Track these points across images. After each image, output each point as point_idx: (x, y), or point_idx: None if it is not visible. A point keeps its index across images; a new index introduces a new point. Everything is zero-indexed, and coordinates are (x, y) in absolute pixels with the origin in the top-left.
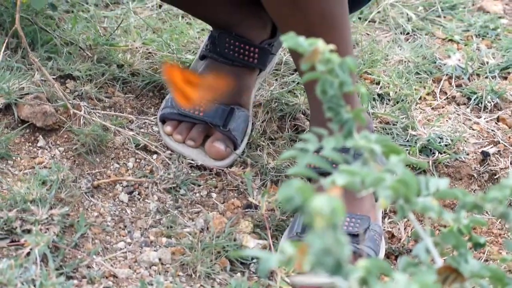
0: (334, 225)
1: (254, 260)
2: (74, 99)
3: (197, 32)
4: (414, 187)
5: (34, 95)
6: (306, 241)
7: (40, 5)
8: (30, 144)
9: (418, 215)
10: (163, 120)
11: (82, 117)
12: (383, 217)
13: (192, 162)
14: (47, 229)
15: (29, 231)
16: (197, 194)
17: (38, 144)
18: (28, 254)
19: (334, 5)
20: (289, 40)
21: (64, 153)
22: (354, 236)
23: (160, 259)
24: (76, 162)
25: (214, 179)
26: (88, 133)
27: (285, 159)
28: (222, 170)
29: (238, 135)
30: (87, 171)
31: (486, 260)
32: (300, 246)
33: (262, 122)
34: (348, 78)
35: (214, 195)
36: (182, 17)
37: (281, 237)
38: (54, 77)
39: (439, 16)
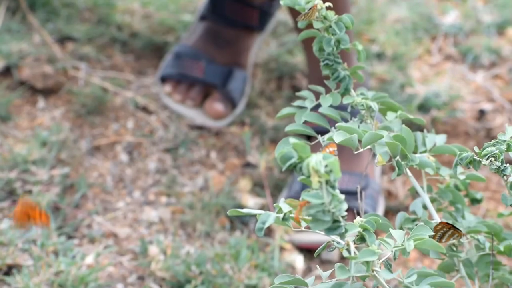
0: (330, 182)
1: (254, 219)
2: (73, 60)
3: None
4: (411, 144)
5: (34, 57)
6: (303, 199)
7: None
8: (30, 105)
9: (416, 172)
10: (163, 80)
11: (81, 79)
12: (381, 175)
13: (191, 122)
14: (48, 189)
15: (30, 192)
16: (196, 154)
17: (38, 106)
18: None
19: None
20: None
21: (64, 114)
22: (352, 193)
23: (160, 218)
24: (76, 123)
25: (213, 138)
26: (88, 95)
27: (283, 117)
28: (221, 130)
29: (236, 95)
30: (87, 132)
31: (484, 217)
32: (297, 204)
33: (260, 82)
34: (345, 35)
35: (213, 154)
36: None
37: (280, 195)
38: (54, 38)
39: None
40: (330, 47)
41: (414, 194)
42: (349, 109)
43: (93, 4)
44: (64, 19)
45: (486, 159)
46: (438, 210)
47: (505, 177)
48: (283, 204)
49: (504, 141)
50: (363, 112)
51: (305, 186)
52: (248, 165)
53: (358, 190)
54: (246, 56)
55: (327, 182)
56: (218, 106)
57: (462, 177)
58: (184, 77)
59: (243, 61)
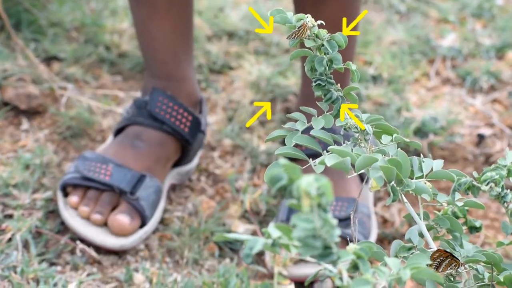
0: (322, 206)
1: (244, 246)
2: (60, 81)
3: None
4: (407, 169)
5: (18, 77)
6: (292, 223)
7: None
8: (13, 127)
9: (412, 199)
10: (65, 190)
11: (67, 100)
12: (376, 201)
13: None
14: (30, 214)
15: (11, 216)
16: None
17: (22, 127)
18: (10, 239)
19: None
20: (276, 15)
21: (48, 136)
22: (341, 220)
23: (146, 245)
24: (61, 145)
25: (203, 163)
26: (74, 116)
27: (273, 139)
28: (211, 155)
29: (147, 207)
30: (72, 154)
31: (482, 245)
32: (287, 229)
33: (251, 103)
34: (338, 54)
35: (203, 179)
36: None
37: (271, 221)
38: (39, 59)
39: None
40: (322, 66)
41: (410, 221)
42: (342, 132)
43: (81, 24)
44: (50, 39)
45: (486, 185)
46: (435, 239)
47: (505, 204)
48: (272, 229)
49: (505, 166)
50: (357, 135)
51: (291, 214)
52: (238, 190)
53: (352, 217)
54: (163, 167)
55: (319, 205)
56: (123, 218)
57: (460, 203)
58: (89, 181)
59: (159, 171)
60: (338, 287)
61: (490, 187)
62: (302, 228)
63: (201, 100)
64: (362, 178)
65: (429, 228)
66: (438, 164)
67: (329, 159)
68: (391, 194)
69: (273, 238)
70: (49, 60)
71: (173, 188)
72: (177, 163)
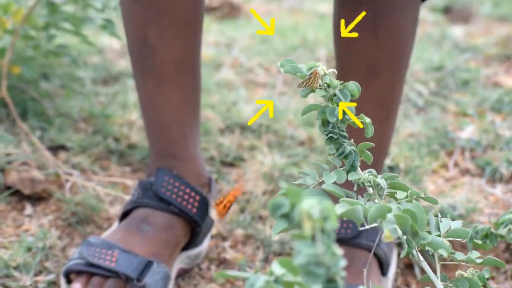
0: (325, 231)
1: None
2: (65, 168)
3: None
4: (422, 220)
5: (22, 161)
6: (294, 249)
7: (31, 74)
8: (16, 212)
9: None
10: (68, 276)
11: (73, 185)
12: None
13: None
14: None
15: None
16: (196, 266)
17: (25, 212)
18: None
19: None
20: (286, 65)
21: (52, 222)
22: None
23: None
24: (65, 231)
25: (214, 252)
26: (80, 202)
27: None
28: (222, 245)
29: None
30: (77, 240)
31: None
32: (291, 266)
33: (265, 193)
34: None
35: (213, 267)
36: None
37: None
38: (45, 147)
39: (451, 91)
40: (334, 117)
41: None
42: (355, 188)
43: (89, 115)
44: (57, 128)
45: (504, 227)
46: None
47: None
48: (276, 266)
49: None
50: (370, 190)
51: None
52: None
53: None
54: (171, 251)
55: (322, 230)
56: None
57: (479, 260)
58: (94, 268)
59: (166, 255)
60: None
61: (508, 229)
62: (304, 254)
63: (209, 180)
64: (383, 271)
65: None
66: (456, 223)
67: (339, 207)
68: (406, 246)
69: (276, 275)
70: (55, 149)
71: (181, 274)
72: (186, 246)
